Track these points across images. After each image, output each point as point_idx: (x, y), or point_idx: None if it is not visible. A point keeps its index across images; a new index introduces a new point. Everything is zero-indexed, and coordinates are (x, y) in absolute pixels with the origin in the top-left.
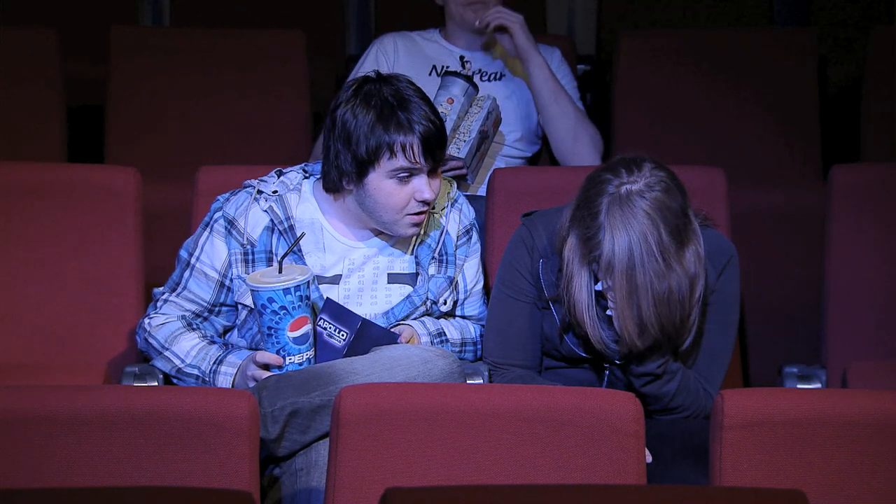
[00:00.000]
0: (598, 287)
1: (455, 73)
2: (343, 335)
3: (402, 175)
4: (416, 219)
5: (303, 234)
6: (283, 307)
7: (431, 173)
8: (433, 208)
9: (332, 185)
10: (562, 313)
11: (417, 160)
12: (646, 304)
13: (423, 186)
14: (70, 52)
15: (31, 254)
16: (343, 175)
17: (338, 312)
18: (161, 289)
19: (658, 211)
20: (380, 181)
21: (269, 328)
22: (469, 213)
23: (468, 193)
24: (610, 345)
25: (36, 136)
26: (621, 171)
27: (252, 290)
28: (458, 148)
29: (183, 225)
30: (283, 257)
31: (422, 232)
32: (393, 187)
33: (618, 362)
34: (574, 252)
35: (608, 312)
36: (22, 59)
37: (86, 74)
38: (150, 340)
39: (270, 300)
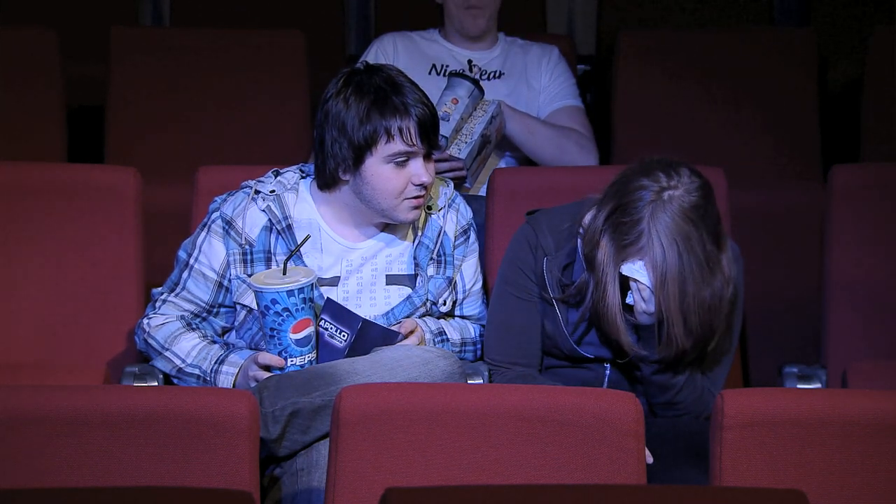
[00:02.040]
0: (629, 299)
1: (462, 75)
2: (344, 336)
3: (399, 159)
4: (415, 202)
5: (308, 237)
6: (286, 309)
7: (426, 157)
8: (430, 209)
9: (327, 178)
10: (564, 310)
11: (414, 142)
12: (693, 310)
13: (420, 170)
14: (70, 52)
15: (31, 254)
16: (339, 164)
17: (339, 313)
18: (159, 289)
19: (700, 219)
20: (377, 166)
21: (272, 329)
22: (466, 213)
23: (470, 193)
24: (637, 349)
25: (36, 136)
26: (659, 175)
27: (255, 292)
28: (458, 149)
29: (183, 225)
30: (287, 259)
31: (420, 232)
32: (391, 172)
33: (620, 362)
34: (609, 258)
35: (643, 320)
36: (22, 59)
37: (86, 74)
38: (150, 341)
39: (274, 301)
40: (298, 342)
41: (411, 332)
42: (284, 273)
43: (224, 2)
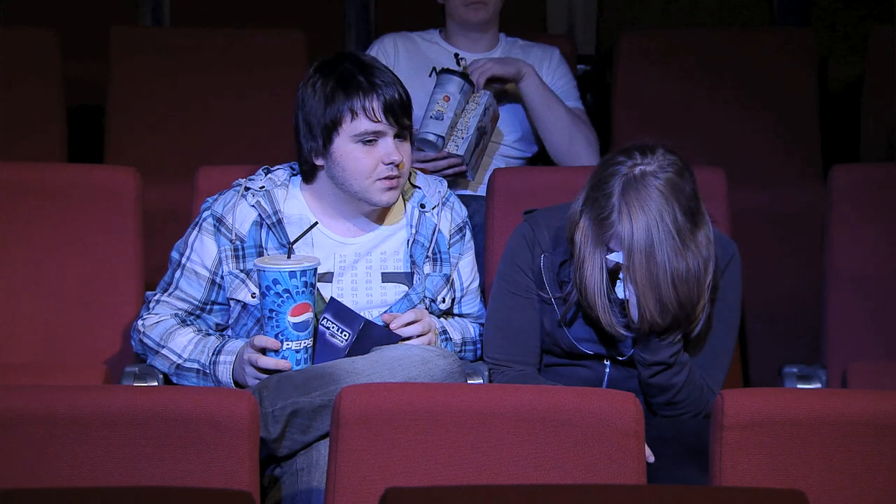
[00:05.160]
0: (612, 262)
1: (450, 71)
2: (345, 335)
3: (367, 138)
4: (388, 183)
5: (315, 223)
6: (286, 290)
7: (400, 138)
8: (423, 207)
9: (306, 167)
10: (563, 308)
11: (379, 118)
12: (665, 283)
13: (389, 148)
14: (70, 52)
15: (31, 254)
16: (312, 149)
17: (341, 312)
18: (153, 291)
19: (672, 191)
20: (345, 146)
21: (271, 311)
22: (461, 211)
23: (469, 193)
24: (620, 329)
25: (36, 136)
26: (634, 153)
27: (258, 271)
28: (456, 145)
29: (183, 225)
30: (293, 242)
31: (414, 230)
32: (359, 152)
33: (620, 359)
34: (586, 235)
35: (620, 295)
36: (22, 59)
37: (86, 74)
38: (146, 340)
39: (275, 282)
40: (296, 326)
41: (416, 322)
42: (289, 257)
43: (224, 2)
